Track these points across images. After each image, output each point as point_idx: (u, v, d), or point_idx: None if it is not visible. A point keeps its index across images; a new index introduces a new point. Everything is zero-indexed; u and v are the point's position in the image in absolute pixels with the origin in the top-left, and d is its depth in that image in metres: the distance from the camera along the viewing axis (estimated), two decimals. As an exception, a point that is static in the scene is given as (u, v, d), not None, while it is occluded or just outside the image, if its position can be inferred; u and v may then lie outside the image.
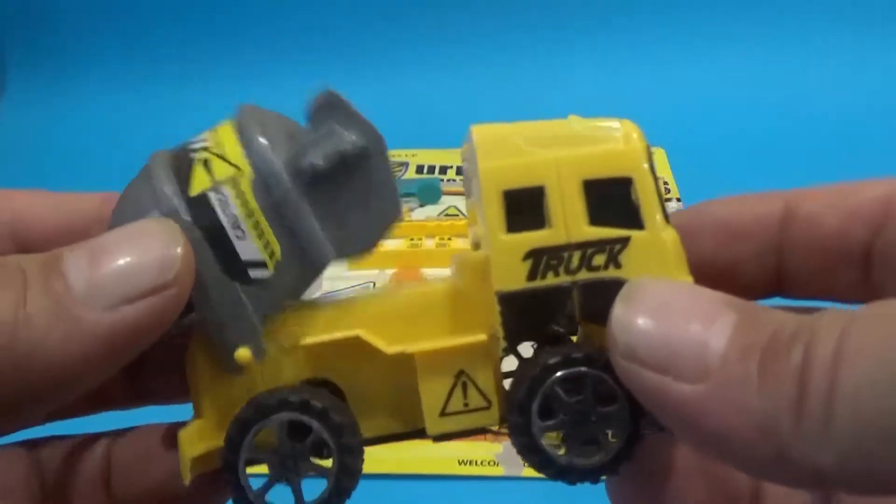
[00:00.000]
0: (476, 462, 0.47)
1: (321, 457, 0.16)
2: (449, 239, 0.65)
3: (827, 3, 0.88)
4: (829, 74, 0.87)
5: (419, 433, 0.17)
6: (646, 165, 0.16)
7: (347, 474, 0.16)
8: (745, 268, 0.16)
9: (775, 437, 0.11)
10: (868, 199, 0.16)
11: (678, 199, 0.71)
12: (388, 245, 0.66)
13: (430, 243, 0.65)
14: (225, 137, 0.16)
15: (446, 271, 0.59)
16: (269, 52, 0.95)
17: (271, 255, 0.15)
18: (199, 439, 0.16)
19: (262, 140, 0.16)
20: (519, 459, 0.49)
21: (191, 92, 0.95)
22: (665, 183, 0.72)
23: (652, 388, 0.13)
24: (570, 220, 0.15)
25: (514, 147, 0.16)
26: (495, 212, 0.15)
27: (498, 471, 0.46)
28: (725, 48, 0.89)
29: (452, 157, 0.79)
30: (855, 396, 0.11)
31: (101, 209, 0.21)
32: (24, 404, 0.15)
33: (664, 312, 0.13)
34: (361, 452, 0.16)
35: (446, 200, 0.72)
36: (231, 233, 0.15)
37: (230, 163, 0.16)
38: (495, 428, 0.17)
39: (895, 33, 0.89)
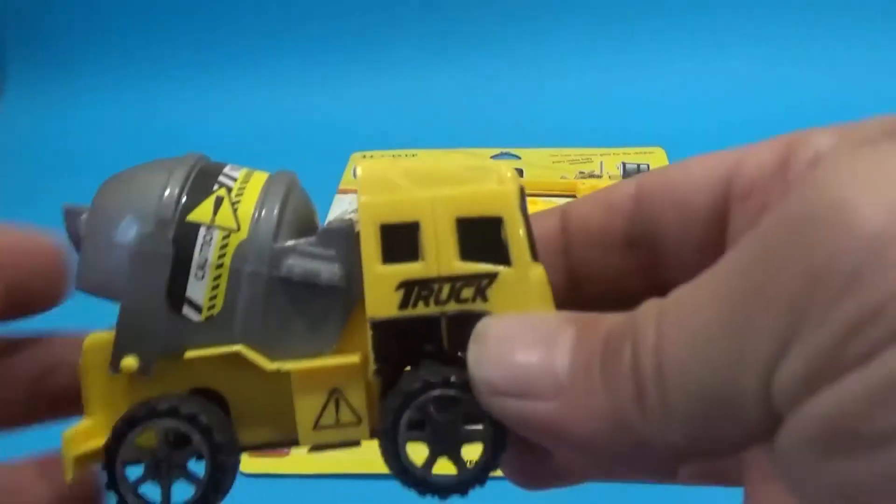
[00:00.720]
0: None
1: (197, 460, 0.17)
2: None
3: (828, 3, 0.89)
4: (830, 74, 0.87)
5: (295, 443, 0.18)
6: (516, 206, 0.16)
7: (216, 489, 0.17)
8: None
9: (630, 430, 0.13)
10: (620, 195, 0.18)
11: (678, 199, 0.71)
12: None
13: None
14: (250, 190, 0.17)
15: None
16: (270, 52, 0.95)
17: (210, 307, 0.17)
18: (83, 439, 0.17)
19: (272, 220, 0.17)
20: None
21: (191, 92, 0.95)
22: (665, 183, 0.72)
23: (515, 413, 0.14)
24: (441, 255, 0.16)
25: (394, 184, 0.16)
26: (372, 244, 0.16)
27: (497, 471, 0.46)
28: (726, 48, 0.89)
29: (452, 157, 0.79)
30: (679, 378, 0.12)
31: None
32: None
33: (510, 346, 0.14)
34: (235, 470, 0.17)
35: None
36: (193, 269, 0.16)
37: (236, 216, 0.17)
38: (364, 441, 0.18)
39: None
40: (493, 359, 0.15)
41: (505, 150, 0.80)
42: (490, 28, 0.92)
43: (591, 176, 0.75)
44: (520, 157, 0.79)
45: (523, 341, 0.15)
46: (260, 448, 0.18)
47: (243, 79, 0.95)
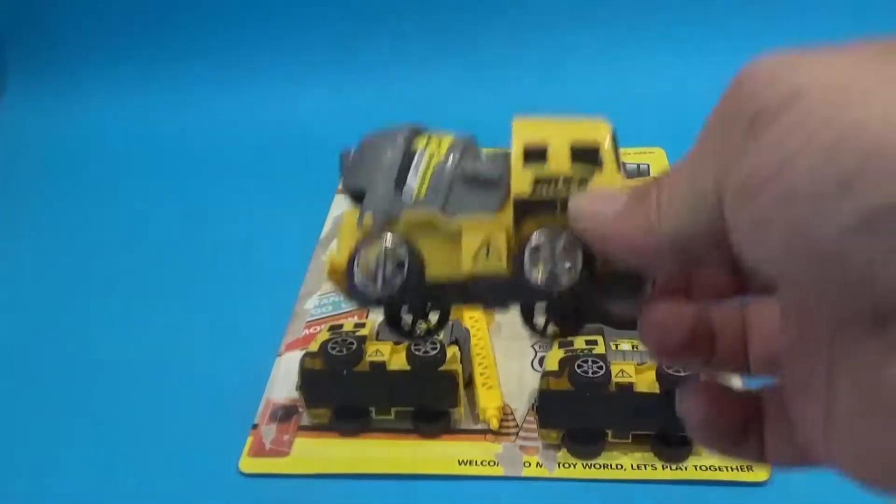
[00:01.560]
0: (476, 462, 0.47)
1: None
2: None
3: (830, 5, 0.89)
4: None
5: (458, 274, 0.27)
6: (608, 140, 0.26)
7: (411, 279, 0.26)
8: None
9: (649, 229, 0.21)
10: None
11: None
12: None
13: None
14: (445, 138, 0.29)
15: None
16: (271, 53, 0.95)
17: (419, 192, 0.27)
18: (335, 258, 0.28)
19: (459, 148, 0.28)
20: (519, 459, 0.49)
21: (191, 92, 0.95)
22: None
23: (591, 226, 0.23)
24: (560, 165, 0.26)
25: (535, 126, 0.27)
26: (519, 156, 0.26)
27: (498, 471, 0.46)
28: (726, 48, 0.89)
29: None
30: (675, 194, 0.21)
31: None
32: None
33: (594, 198, 0.24)
34: (422, 275, 0.27)
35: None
36: (413, 168, 0.28)
37: (439, 147, 0.28)
38: (504, 272, 0.26)
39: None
40: (584, 201, 0.24)
41: (505, 150, 0.80)
42: (490, 28, 0.92)
43: (591, 176, 0.74)
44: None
45: (602, 195, 0.24)
46: (435, 283, 0.27)
47: (244, 79, 0.95)
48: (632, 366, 0.45)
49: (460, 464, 0.47)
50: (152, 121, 0.93)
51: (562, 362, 0.46)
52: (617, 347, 0.48)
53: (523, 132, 0.27)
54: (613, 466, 0.46)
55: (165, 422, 0.51)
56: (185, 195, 0.79)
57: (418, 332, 0.30)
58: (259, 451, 0.48)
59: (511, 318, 0.65)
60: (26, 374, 0.56)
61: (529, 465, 0.47)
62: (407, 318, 0.30)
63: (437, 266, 0.27)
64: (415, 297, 0.27)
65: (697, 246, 0.20)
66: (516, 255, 0.26)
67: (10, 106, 0.98)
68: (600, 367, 0.44)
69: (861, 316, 0.17)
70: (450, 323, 0.52)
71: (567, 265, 0.25)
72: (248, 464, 0.48)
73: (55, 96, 0.97)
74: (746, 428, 0.24)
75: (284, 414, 0.51)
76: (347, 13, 0.93)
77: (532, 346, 0.55)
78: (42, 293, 0.65)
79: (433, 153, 0.28)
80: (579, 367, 0.45)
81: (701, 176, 0.20)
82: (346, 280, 0.27)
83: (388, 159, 0.28)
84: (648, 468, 0.46)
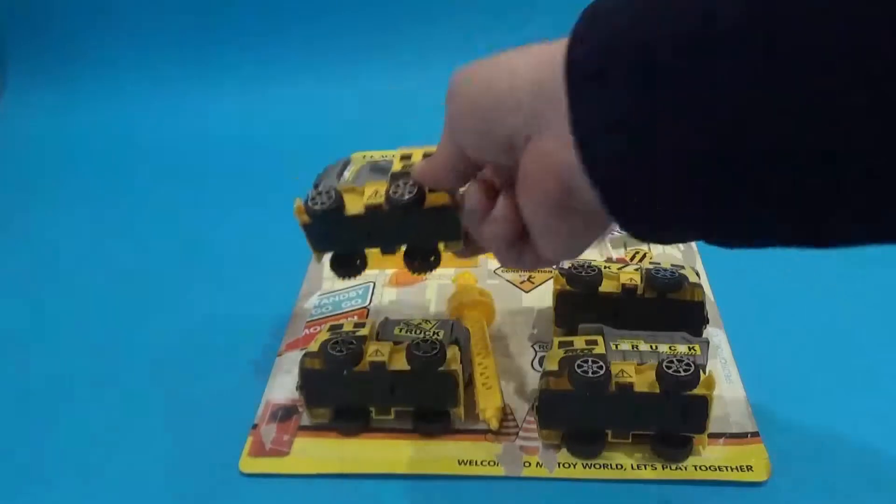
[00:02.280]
0: (476, 462, 0.47)
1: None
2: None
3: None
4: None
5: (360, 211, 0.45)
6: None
7: (336, 203, 0.44)
8: None
9: (435, 156, 0.39)
10: None
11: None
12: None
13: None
14: (366, 156, 0.50)
15: (447, 271, 0.60)
16: (270, 54, 0.95)
17: (349, 179, 0.46)
18: (299, 202, 0.45)
19: (373, 160, 0.49)
20: (519, 459, 0.49)
21: (192, 92, 0.95)
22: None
23: (415, 171, 0.41)
24: (417, 159, 0.44)
25: (410, 149, 0.47)
26: (397, 158, 0.46)
27: (498, 471, 0.46)
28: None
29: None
30: (442, 144, 0.38)
31: None
32: None
33: (422, 161, 0.41)
34: (343, 206, 0.44)
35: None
36: (347, 169, 0.48)
37: (363, 159, 0.48)
38: (382, 202, 0.44)
39: None
40: (418, 163, 0.41)
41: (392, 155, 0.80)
42: (486, 27, 0.92)
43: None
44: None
45: (426, 160, 0.41)
46: (350, 216, 0.45)
47: (243, 80, 0.95)
48: (632, 366, 0.45)
49: (460, 464, 0.47)
50: (152, 120, 0.93)
51: (562, 362, 0.46)
52: (617, 347, 0.48)
53: (402, 151, 0.46)
54: (613, 466, 0.46)
55: (165, 421, 0.51)
56: (185, 194, 0.79)
57: (353, 272, 0.48)
58: (259, 451, 0.48)
59: (511, 318, 0.65)
60: (24, 373, 0.56)
61: (529, 465, 0.47)
62: (346, 269, 0.48)
63: (352, 208, 0.44)
64: (340, 227, 0.45)
65: (457, 159, 0.36)
66: (387, 191, 0.43)
67: (10, 106, 0.98)
68: (600, 367, 0.44)
69: (510, 159, 0.32)
70: (450, 323, 0.52)
71: (408, 193, 0.42)
72: (248, 464, 0.48)
73: (55, 96, 0.97)
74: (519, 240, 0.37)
75: (284, 414, 0.51)
76: (349, 13, 0.93)
77: (532, 346, 0.55)
78: (41, 292, 0.65)
79: (359, 162, 0.49)
80: (579, 367, 0.45)
81: (447, 127, 0.35)
82: (304, 208, 0.45)
83: (334, 168, 0.48)
84: (648, 468, 0.46)
